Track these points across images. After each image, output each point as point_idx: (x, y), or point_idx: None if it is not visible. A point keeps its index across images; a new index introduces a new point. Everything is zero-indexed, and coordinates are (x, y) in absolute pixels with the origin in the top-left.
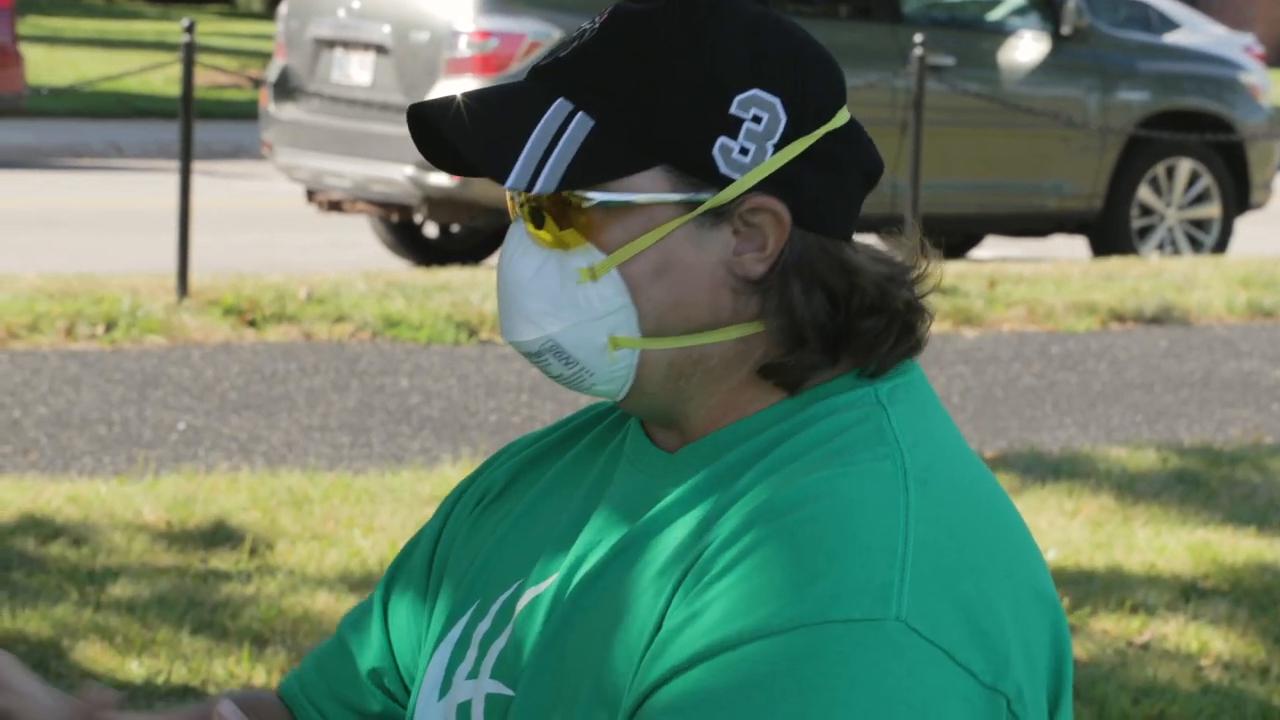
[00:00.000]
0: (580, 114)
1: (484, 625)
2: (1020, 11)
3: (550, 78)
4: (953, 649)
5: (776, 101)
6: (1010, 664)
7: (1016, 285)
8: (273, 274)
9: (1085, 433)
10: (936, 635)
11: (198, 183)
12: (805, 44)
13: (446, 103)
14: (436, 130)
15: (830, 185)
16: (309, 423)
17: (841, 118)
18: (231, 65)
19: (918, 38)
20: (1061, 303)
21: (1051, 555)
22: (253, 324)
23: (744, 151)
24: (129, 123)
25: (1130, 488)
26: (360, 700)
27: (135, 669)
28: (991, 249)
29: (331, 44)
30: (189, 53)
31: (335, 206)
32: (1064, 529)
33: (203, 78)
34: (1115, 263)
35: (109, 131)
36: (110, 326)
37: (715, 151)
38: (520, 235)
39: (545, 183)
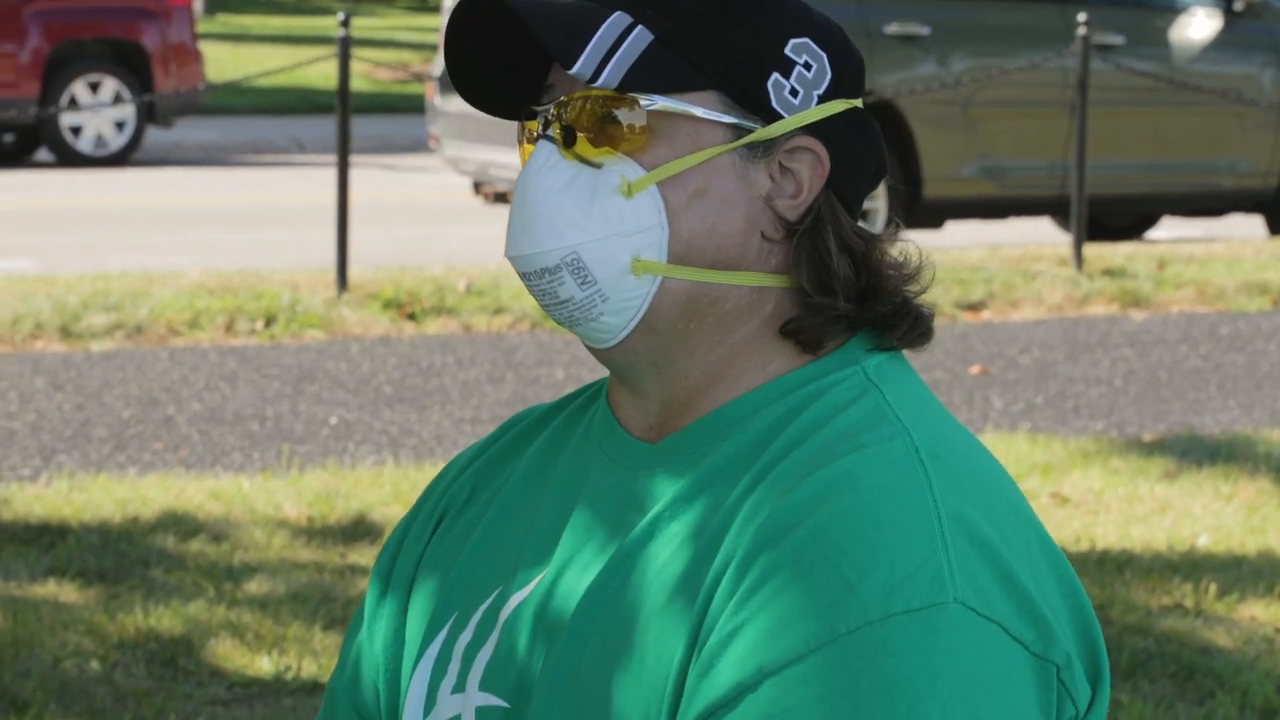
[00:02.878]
0: (639, 27)
1: (465, 636)
2: None
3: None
4: (1005, 622)
5: (824, 56)
6: (1053, 632)
7: (1187, 266)
8: (433, 267)
9: (1249, 415)
10: (991, 611)
11: (374, 177)
12: (839, 26)
13: None
14: (478, 49)
15: (861, 153)
16: (461, 415)
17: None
18: (416, 60)
19: (1081, 17)
20: (1232, 283)
21: (1203, 540)
22: (412, 317)
23: (794, 93)
24: (310, 118)
25: None
26: None
27: (265, 665)
28: (1168, 230)
29: None
30: (344, 47)
31: (501, 198)
32: (1218, 513)
33: (387, 72)
34: None
35: (290, 127)
36: (270, 322)
37: (769, 85)
38: (549, 152)
39: (608, 77)
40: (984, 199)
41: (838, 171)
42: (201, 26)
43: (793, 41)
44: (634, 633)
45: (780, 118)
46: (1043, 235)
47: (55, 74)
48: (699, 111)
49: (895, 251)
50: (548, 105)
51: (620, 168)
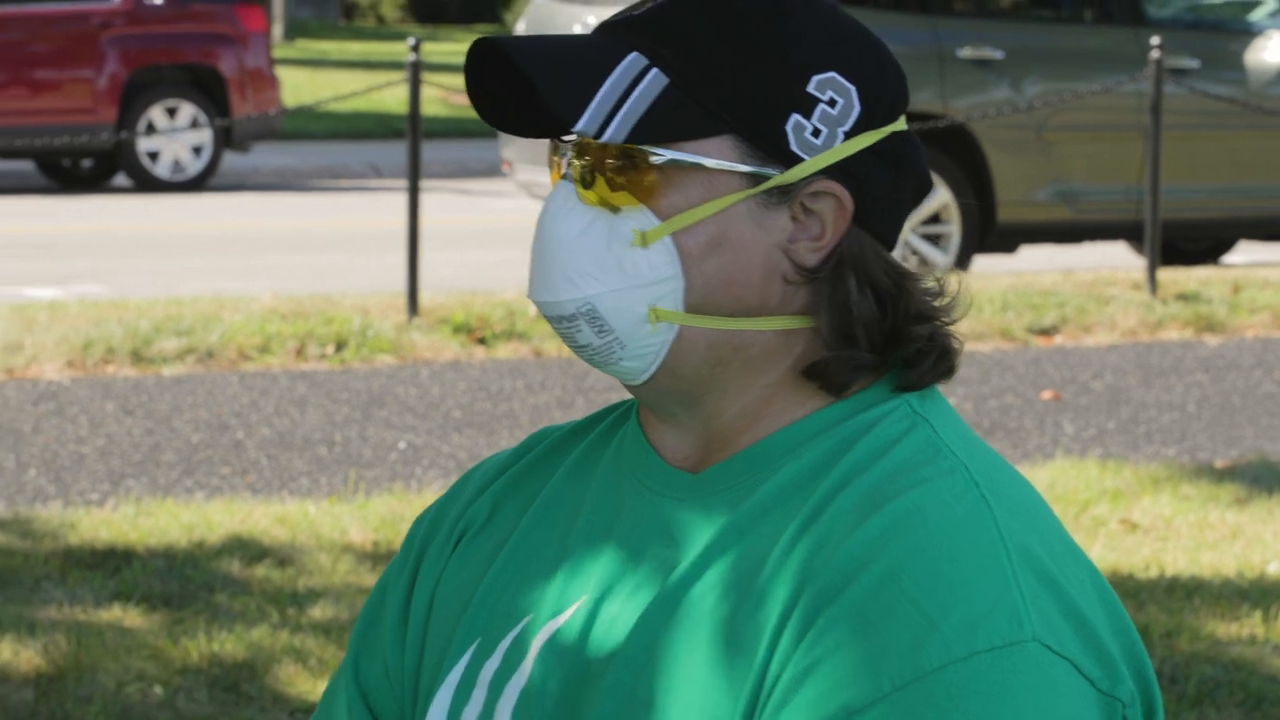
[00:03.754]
0: (654, 70)
1: (493, 663)
2: (1268, 12)
3: (623, 34)
4: (1077, 660)
5: (853, 89)
6: (1119, 669)
7: (1262, 290)
8: (505, 291)
9: None
10: (1063, 648)
11: (448, 202)
12: (879, 42)
13: (522, 41)
14: (497, 78)
15: (891, 185)
16: None
17: (903, 123)
18: None
19: (1154, 40)
20: None
21: (1274, 567)
22: (482, 341)
23: (816, 133)
24: (386, 143)
25: None
26: None
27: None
28: (1245, 254)
29: None
30: (415, 72)
31: None
32: None
33: (463, 97)
34: None
35: (367, 152)
36: (340, 346)
37: (788, 127)
38: (567, 194)
39: (615, 132)
40: (1058, 223)
41: (865, 209)
42: (279, 52)
43: (816, 78)
44: (693, 667)
45: (800, 160)
46: (1117, 259)
47: (133, 99)
48: (710, 163)
49: (933, 281)
50: (570, 140)
51: (636, 215)
